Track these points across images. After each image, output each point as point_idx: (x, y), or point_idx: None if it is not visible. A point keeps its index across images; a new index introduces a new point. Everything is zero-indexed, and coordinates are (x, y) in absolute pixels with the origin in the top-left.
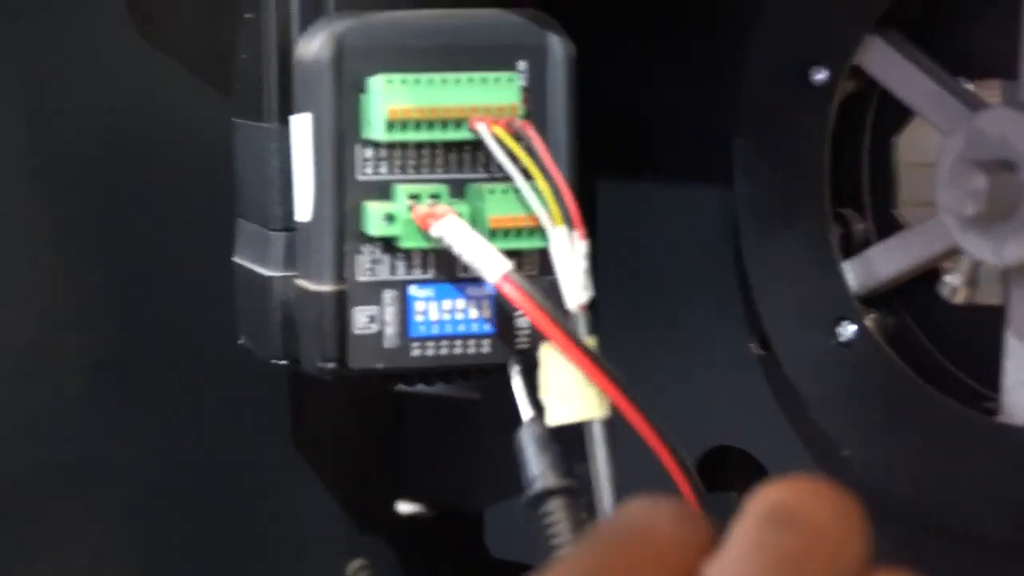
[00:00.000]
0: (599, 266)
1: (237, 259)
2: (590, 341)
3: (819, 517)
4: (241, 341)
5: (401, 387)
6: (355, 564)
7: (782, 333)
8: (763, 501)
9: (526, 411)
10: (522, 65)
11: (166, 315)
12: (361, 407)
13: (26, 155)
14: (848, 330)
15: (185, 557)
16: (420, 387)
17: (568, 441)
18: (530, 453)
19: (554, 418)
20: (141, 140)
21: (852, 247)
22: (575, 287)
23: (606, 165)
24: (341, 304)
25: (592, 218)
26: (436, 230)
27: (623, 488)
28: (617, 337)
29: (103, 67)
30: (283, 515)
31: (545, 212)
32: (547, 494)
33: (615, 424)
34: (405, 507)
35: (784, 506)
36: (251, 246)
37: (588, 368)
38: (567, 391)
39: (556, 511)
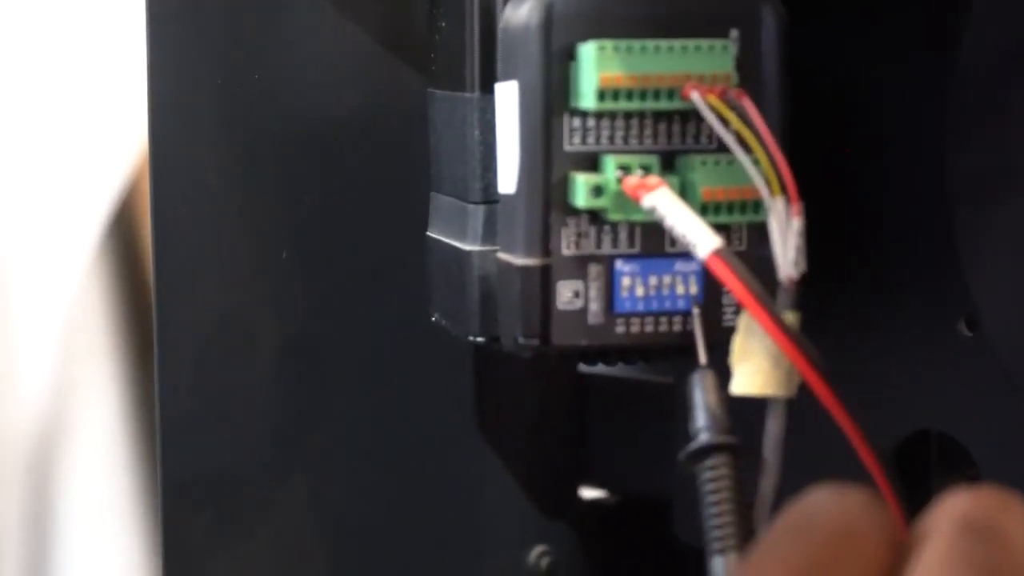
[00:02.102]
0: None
1: (432, 233)
2: (791, 317)
3: (1010, 529)
4: (434, 318)
5: (585, 368)
6: (537, 550)
7: (995, 312)
8: (955, 509)
9: (704, 356)
10: (734, 33)
11: (357, 293)
12: (545, 390)
13: (216, 129)
14: None
15: (369, 543)
16: (604, 369)
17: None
18: (699, 401)
19: (739, 386)
20: (332, 114)
21: None
22: (787, 262)
23: (811, 136)
24: (546, 278)
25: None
26: (648, 202)
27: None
28: (820, 312)
29: (289, 41)
30: (466, 500)
31: (764, 184)
32: (713, 448)
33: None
34: (589, 493)
35: (976, 517)
36: (447, 220)
37: (785, 345)
38: (759, 363)
39: (720, 468)
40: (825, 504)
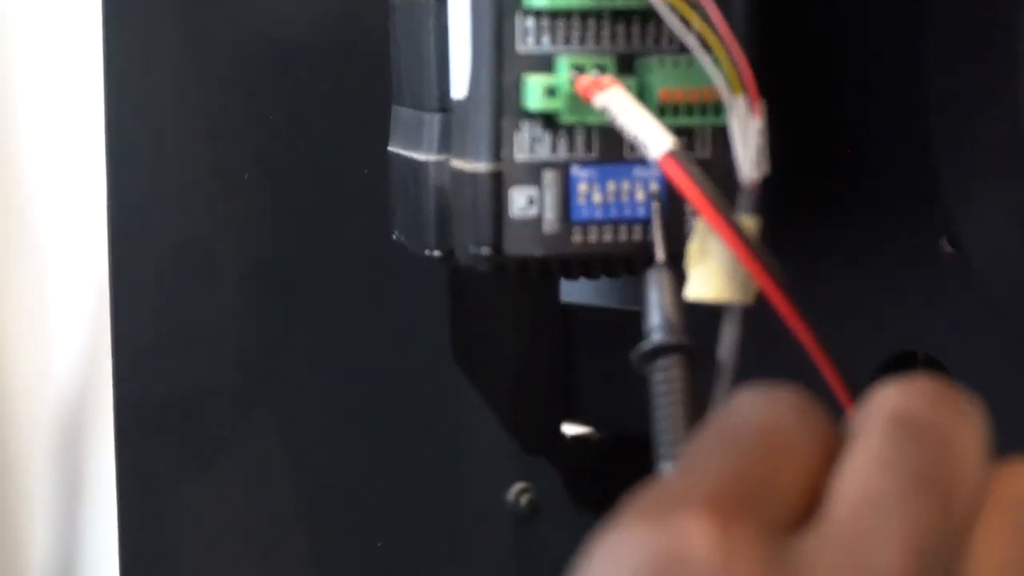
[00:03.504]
0: (780, 155)
1: (392, 147)
2: (751, 222)
3: (944, 424)
4: (395, 236)
5: (568, 299)
6: (517, 487)
7: (974, 228)
8: (888, 406)
9: (661, 253)
10: None
11: (325, 215)
12: (526, 322)
13: (174, 46)
14: None
15: (341, 476)
16: (588, 299)
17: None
18: (654, 300)
19: (694, 291)
20: (296, 31)
21: None
22: (748, 162)
23: (792, 58)
24: (498, 185)
25: (781, 104)
26: (599, 101)
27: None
28: (802, 235)
29: None
30: (442, 435)
31: (724, 83)
32: (665, 349)
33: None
34: (572, 429)
35: (911, 414)
36: (406, 132)
37: (739, 251)
38: (715, 268)
39: (672, 370)
40: (753, 406)
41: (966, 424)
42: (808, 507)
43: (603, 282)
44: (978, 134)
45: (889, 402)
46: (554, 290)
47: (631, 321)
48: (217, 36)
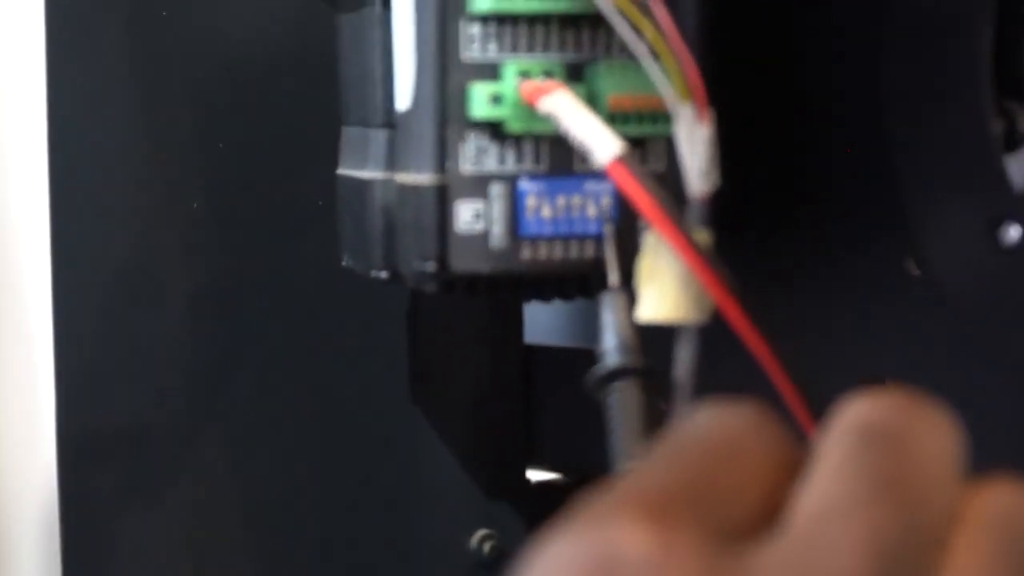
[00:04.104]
0: (736, 170)
1: (340, 171)
2: (702, 236)
3: (912, 433)
4: (344, 261)
5: (532, 339)
6: (480, 534)
7: (937, 240)
8: (852, 418)
9: (614, 276)
10: None
11: (276, 243)
12: (489, 362)
13: (121, 67)
14: (1013, 234)
15: (291, 515)
16: (552, 339)
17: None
18: (608, 322)
19: (646, 312)
20: (248, 53)
21: (1017, 142)
22: (696, 173)
23: (752, 73)
24: (443, 198)
25: (737, 125)
26: (545, 105)
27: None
28: (766, 259)
29: None
30: (401, 477)
31: (671, 91)
32: (621, 372)
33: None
34: (537, 474)
35: (876, 424)
36: (353, 152)
37: (695, 265)
38: (667, 286)
39: (627, 393)
40: (710, 419)
41: (936, 434)
42: (763, 520)
43: (568, 321)
44: (941, 141)
45: (854, 414)
46: (517, 330)
47: (595, 360)
48: (166, 59)
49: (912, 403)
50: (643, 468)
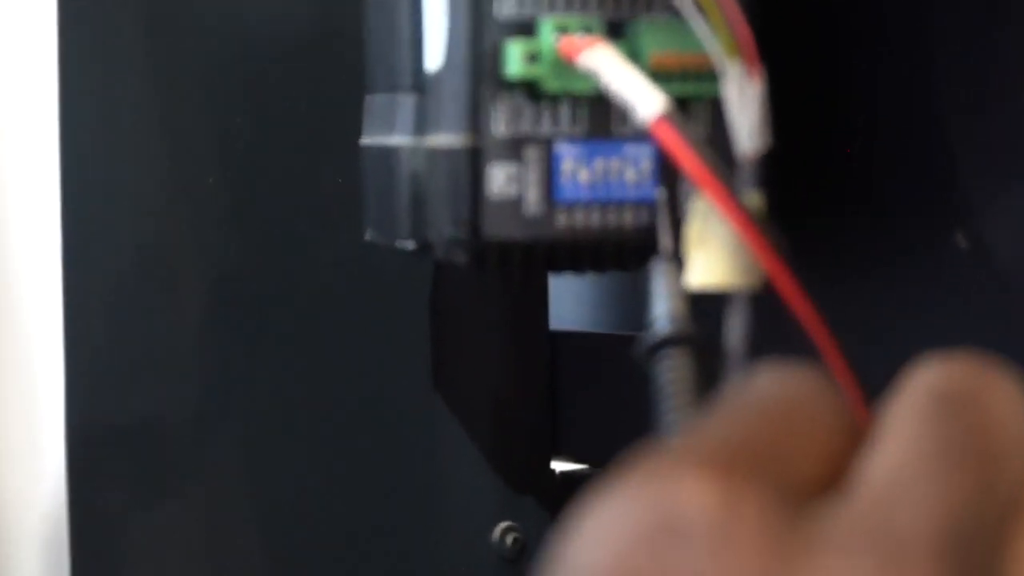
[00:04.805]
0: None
1: (364, 140)
2: (753, 199)
3: (987, 400)
4: (368, 235)
5: (557, 326)
6: (503, 526)
7: (987, 212)
8: (925, 382)
9: (667, 241)
10: None
11: (295, 228)
12: (512, 350)
13: (134, 45)
14: None
15: (309, 516)
16: (577, 326)
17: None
18: (660, 288)
19: (695, 278)
20: (262, 30)
21: None
22: (746, 133)
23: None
24: (475, 161)
25: (791, 95)
26: (584, 61)
27: None
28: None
29: None
30: (422, 471)
31: (718, 47)
32: (671, 340)
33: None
34: (561, 465)
35: (949, 389)
36: (379, 119)
37: (744, 229)
38: (716, 251)
39: (678, 362)
40: (771, 380)
41: (1009, 400)
42: (828, 484)
43: (594, 306)
44: (993, 112)
45: (927, 378)
46: (543, 317)
47: (623, 347)
48: (179, 38)
49: (984, 369)
50: (702, 427)
